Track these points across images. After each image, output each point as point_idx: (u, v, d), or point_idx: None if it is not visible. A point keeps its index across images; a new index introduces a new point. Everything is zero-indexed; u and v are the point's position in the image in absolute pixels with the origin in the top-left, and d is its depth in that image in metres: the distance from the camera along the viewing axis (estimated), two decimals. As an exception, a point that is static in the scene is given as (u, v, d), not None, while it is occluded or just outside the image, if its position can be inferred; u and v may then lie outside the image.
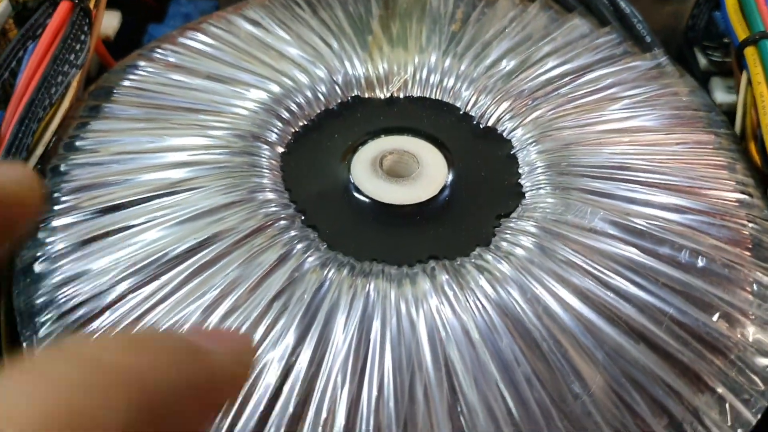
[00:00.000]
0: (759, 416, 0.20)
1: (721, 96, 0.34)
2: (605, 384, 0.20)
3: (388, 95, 0.27)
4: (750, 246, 0.23)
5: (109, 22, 0.33)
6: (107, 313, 0.21)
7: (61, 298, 0.22)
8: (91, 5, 0.29)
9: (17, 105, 0.25)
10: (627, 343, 0.20)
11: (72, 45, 0.27)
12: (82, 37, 0.28)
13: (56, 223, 0.23)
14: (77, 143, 0.25)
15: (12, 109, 0.25)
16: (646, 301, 0.21)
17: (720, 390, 0.20)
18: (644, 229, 0.23)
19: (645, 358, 0.20)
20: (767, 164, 0.25)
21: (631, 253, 0.22)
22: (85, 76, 0.29)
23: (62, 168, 0.25)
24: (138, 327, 0.21)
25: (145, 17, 0.39)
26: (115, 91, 0.27)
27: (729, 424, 0.20)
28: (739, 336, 0.21)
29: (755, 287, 0.22)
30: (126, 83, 0.27)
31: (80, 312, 0.21)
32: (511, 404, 0.19)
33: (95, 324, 0.21)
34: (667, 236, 0.22)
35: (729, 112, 0.31)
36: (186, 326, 0.21)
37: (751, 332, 0.21)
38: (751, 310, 0.22)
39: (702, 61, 0.35)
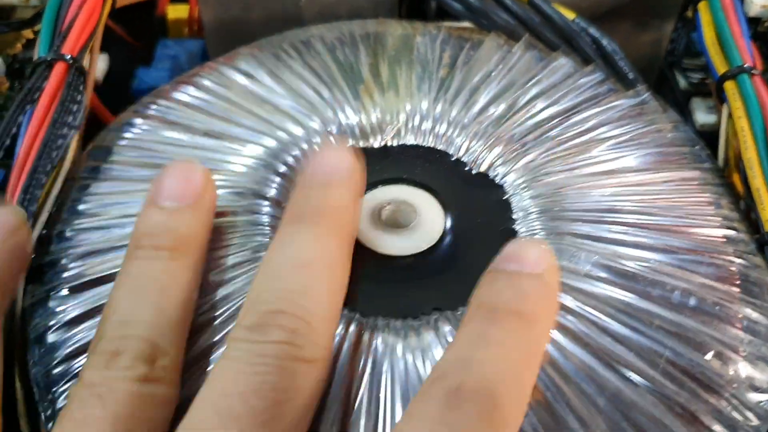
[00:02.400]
0: (754, 451, 0.21)
1: (702, 117, 0.35)
2: (607, 429, 0.21)
3: (383, 144, 0.27)
4: (738, 282, 0.24)
5: (98, 65, 0.34)
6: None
7: (77, 368, 0.22)
8: (85, 62, 0.29)
9: (20, 174, 0.25)
10: (626, 387, 0.21)
11: (69, 107, 0.28)
12: (78, 97, 0.28)
13: (65, 291, 0.24)
14: (80, 207, 0.26)
15: (15, 179, 0.25)
16: (643, 344, 0.22)
17: (716, 428, 0.21)
18: (636, 271, 0.23)
19: (643, 401, 0.21)
20: (750, 198, 0.26)
21: (625, 296, 0.23)
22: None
23: (68, 234, 0.25)
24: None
25: (132, 59, 0.39)
26: (114, 150, 0.27)
27: None
28: (731, 373, 0.22)
29: (745, 323, 0.23)
30: (124, 142, 0.28)
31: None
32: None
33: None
34: (658, 278, 0.23)
35: (711, 132, 0.32)
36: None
37: (743, 369, 0.22)
38: (742, 346, 0.23)
39: (682, 82, 0.37)
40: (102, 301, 0.23)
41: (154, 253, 0.22)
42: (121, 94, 0.36)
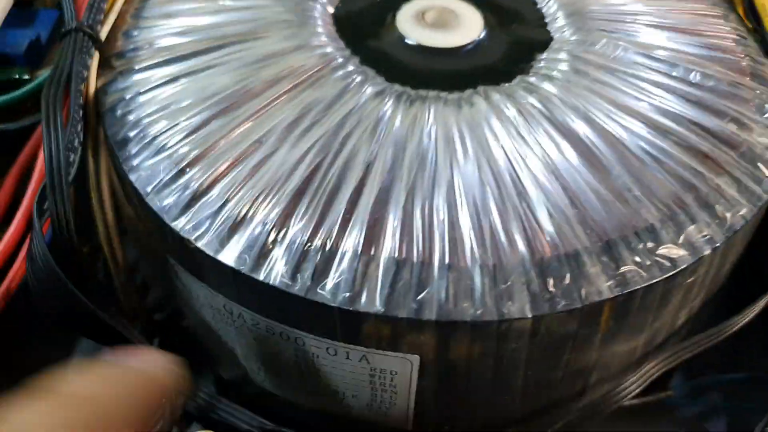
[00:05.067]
0: (768, 195, 0.24)
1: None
2: (639, 166, 0.23)
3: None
4: (749, 73, 0.27)
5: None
6: (193, 136, 0.24)
7: (149, 129, 0.24)
8: None
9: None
10: (655, 137, 0.24)
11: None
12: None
13: (138, 66, 0.26)
14: (143, 13, 0.28)
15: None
16: (667, 108, 0.24)
17: (736, 173, 0.24)
18: (658, 56, 0.26)
19: (671, 148, 0.24)
20: (756, 19, 0.29)
21: (651, 74, 0.25)
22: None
23: (134, 32, 0.27)
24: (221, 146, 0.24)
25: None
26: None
27: (746, 199, 0.23)
28: (746, 136, 0.25)
29: (757, 101, 0.26)
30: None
31: (165, 139, 0.24)
32: (563, 183, 0.22)
33: (183, 148, 0.24)
34: (678, 62, 0.26)
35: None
36: (270, 139, 0.23)
37: (757, 134, 0.25)
38: (755, 117, 0.25)
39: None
40: (172, 76, 0.25)
41: None
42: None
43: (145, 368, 0.18)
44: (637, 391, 0.25)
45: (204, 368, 0.29)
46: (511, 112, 0.24)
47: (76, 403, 0.16)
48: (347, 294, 0.21)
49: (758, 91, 0.26)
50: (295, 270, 0.21)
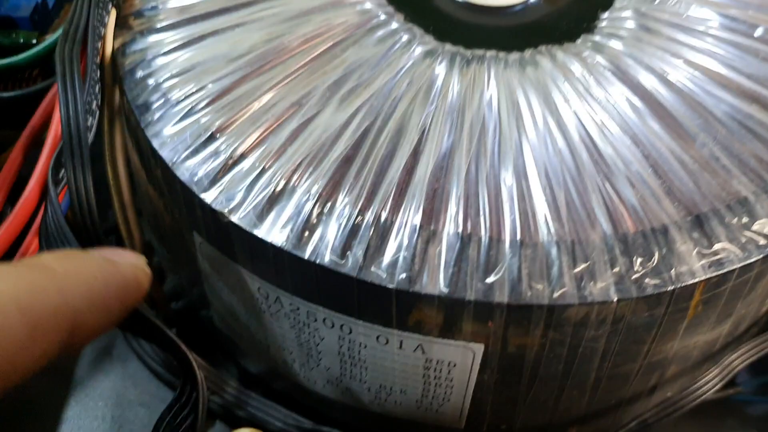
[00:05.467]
0: None
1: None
2: (728, 134, 0.21)
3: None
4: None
5: None
6: (222, 99, 0.21)
7: (173, 93, 0.22)
8: None
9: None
10: (741, 103, 0.21)
11: None
12: None
13: (160, 25, 0.23)
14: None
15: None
16: (751, 71, 0.22)
17: None
18: (737, 17, 0.23)
19: (759, 114, 0.21)
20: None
21: (729, 34, 0.23)
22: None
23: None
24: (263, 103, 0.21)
25: None
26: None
27: None
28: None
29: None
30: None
31: (192, 103, 0.21)
32: (645, 151, 0.20)
33: (212, 112, 0.21)
34: (758, 23, 0.23)
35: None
36: (310, 101, 0.21)
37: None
38: None
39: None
40: (203, 33, 0.23)
41: None
42: None
43: (114, 259, 0.18)
44: (719, 386, 0.22)
45: (227, 361, 0.27)
46: (580, 72, 0.22)
47: (44, 272, 0.16)
48: (405, 274, 0.18)
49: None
50: (345, 247, 0.18)
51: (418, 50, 0.22)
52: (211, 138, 0.20)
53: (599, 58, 0.22)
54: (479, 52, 0.22)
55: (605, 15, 0.24)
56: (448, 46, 0.23)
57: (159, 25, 0.23)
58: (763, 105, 0.21)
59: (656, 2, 0.24)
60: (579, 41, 0.23)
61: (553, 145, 0.20)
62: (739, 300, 0.20)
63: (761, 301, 0.22)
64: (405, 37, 0.23)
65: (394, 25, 0.23)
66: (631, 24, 0.23)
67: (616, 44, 0.22)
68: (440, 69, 0.22)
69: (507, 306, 0.18)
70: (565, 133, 0.20)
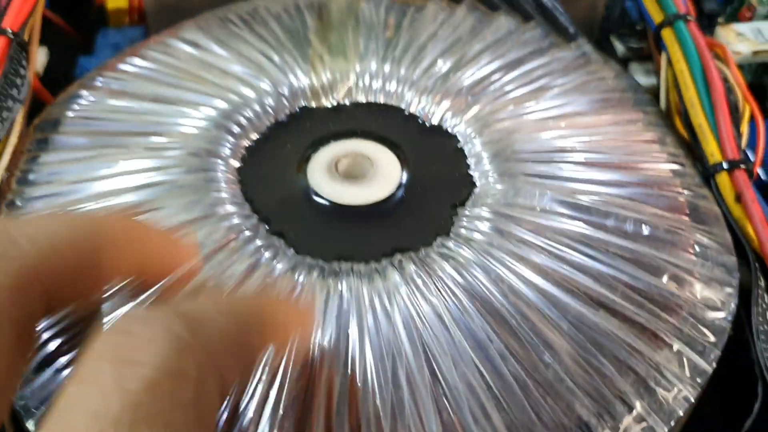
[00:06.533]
0: (714, 365, 0.22)
1: (641, 79, 0.36)
2: (573, 351, 0.21)
3: (335, 103, 0.28)
4: (687, 212, 0.25)
5: (38, 58, 0.33)
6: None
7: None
8: (25, 37, 0.29)
9: (-34, 146, 0.25)
10: (587, 311, 0.22)
11: (13, 80, 0.27)
12: (22, 71, 0.28)
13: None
14: (30, 177, 0.25)
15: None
16: (600, 271, 0.23)
17: (676, 345, 0.22)
18: (589, 204, 0.24)
19: (606, 323, 0.22)
20: (693, 136, 0.27)
21: (581, 228, 0.23)
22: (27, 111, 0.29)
23: (18, 202, 0.25)
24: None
25: (73, 51, 0.39)
26: (61, 122, 0.27)
27: (688, 375, 0.21)
28: (688, 294, 0.23)
29: (697, 248, 0.24)
30: (71, 114, 0.27)
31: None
32: (489, 379, 0.20)
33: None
34: (611, 209, 0.24)
35: (651, 93, 0.33)
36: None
37: (698, 290, 0.23)
38: (695, 269, 0.23)
39: (620, 48, 0.38)
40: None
41: None
42: (63, 85, 0.36)
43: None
44: None
45: None
46: (425, 285, 0.22)
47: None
48: None
49: (698, 234, 0.24)
50: None
51: (279, 267, 0.23)
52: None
53: (448, 268, 0.22)
54: (336, 265, 0.23)
55: (465, 212, 0.24)
56: (308, 260, 0.23)
57: None
58: (609, 312, 0.22)
59: (512, 195, 0.24)
60: (434, 245, 0.23)
61: (387, 352, 0.20)
62: None
63: None
64: (267, 254, 0.23)
65: (258, 242, 0.23)
66: (485, 226, 0.23)
67: (466, 252, 0.23)
68: (298, 284, 0.22)
69: None
70: (398, 333, 0.21)
